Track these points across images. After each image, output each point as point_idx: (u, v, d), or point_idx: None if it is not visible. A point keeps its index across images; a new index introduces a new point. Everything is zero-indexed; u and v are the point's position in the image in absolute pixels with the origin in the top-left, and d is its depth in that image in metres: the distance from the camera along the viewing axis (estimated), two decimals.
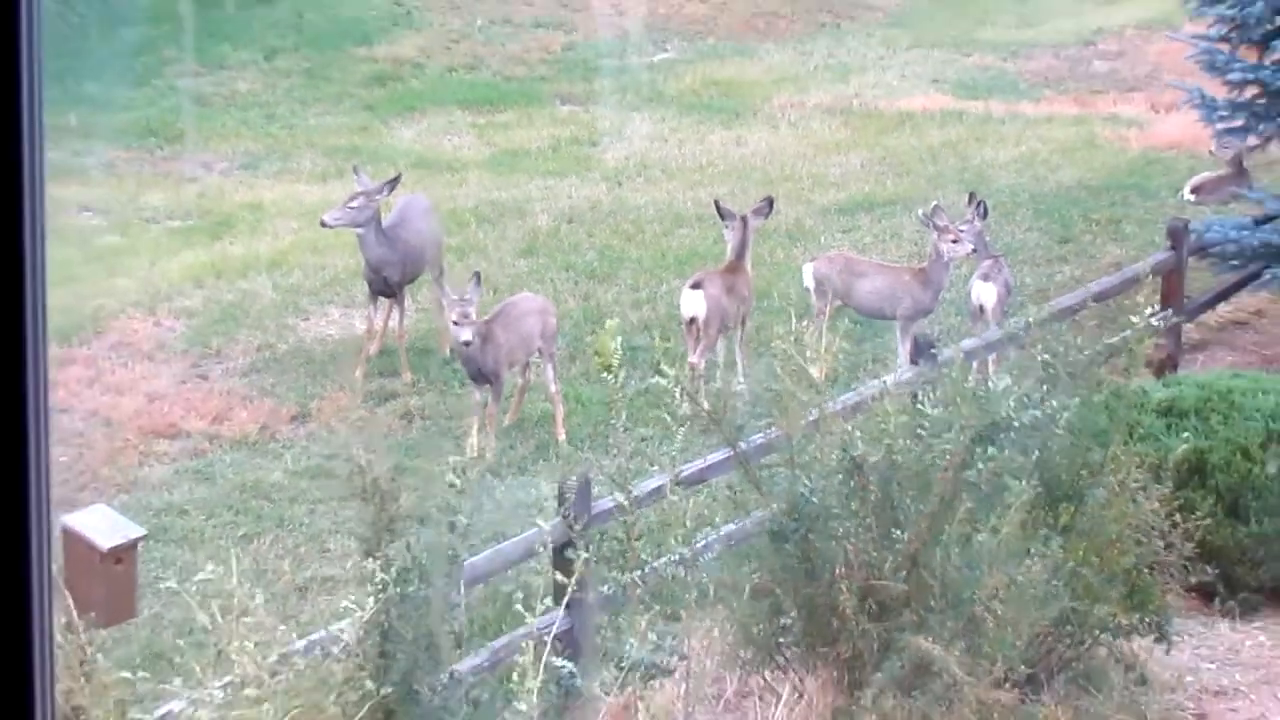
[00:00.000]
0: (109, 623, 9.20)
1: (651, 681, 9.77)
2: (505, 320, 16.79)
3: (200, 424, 16.96)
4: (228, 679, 8.34)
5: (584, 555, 9.87)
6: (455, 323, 16.15)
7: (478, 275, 16.50)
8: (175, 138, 24.94)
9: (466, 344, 16.17)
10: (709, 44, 30.41)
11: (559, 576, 10.38)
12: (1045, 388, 11.74)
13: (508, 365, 16.74)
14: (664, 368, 10.56)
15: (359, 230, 17.80)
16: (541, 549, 10.56)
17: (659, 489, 11.14)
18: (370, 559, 8.96)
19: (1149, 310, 12.70)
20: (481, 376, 16.45)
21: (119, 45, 27.53)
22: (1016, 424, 11.27)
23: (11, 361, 2.10)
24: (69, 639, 8.84)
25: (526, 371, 17.05)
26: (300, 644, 9.10)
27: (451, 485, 9.32)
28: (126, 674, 9.07)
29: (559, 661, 9.07)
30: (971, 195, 18.67)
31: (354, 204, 17.78)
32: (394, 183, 18.18)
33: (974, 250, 17.82)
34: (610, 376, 10.21)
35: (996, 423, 11.14)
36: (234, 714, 8.24)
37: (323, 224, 18.15)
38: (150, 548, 13.12)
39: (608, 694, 9.48)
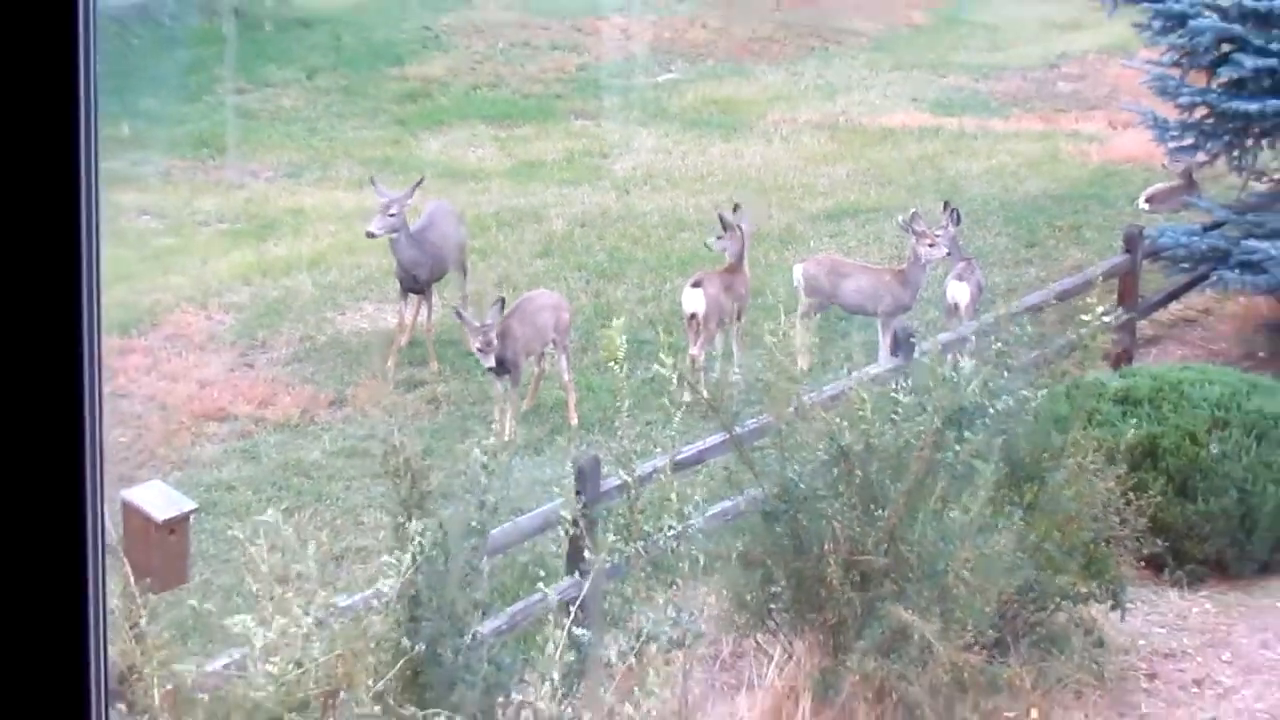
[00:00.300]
0: (163, 588, 9.20)
1: (668, 652, 9.75)
2: (522, 315, 16.80)
3: (247, 408, 16.96)
4: (273, 633, 8.32)
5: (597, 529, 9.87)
6: (479, 350, 16.28)
7: (501, 301, 16.52)
8: (225, 148, 24.92)
9: (491, 369, 16.32)
10: (709, 65, 30.35)
11: (583, 548, 10.41)
12: (1011, 376, 11.73)
13: (525, 355, 16.74)
14: (663, 357, 10.56)
15: (393, 235, 17.79)
16: (567, 522, 10.50)
17: (661, 468, 11.13)
18: (404, 527, 8.94)
19: (1101, 309, 12.70)
20: (502, 368, 16.45)
21: (174, 65, 27.51)
22: (991, 410, 11.26)
23: (68, 351, 2.09)
24: (126, 603, 8.83)
25: (542, 361, 17.03)
26: (344, 602, 9.10)
27: (484, 466, 9.32)
28: (176, 635, 9.08)
29: (576, 629, 9.04)
30: (946, 204, 18.67)
31: (393, 211, 17.75)
32: (418, 185, 18.17)
33: (948, 253, 17.81)
34: (616, 368, 10.21)
35: (967, 408, 11.14)
36: (283, 662, 8.23)
37: (369, 235, 18.07)
38: (200, 520, 13.10)
39: (622, 660, 9.45)
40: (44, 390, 2.10)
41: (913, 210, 18.61)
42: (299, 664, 8.16)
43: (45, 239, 2.07)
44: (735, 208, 18.35)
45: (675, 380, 11.01)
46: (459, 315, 16.67)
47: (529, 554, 13.55)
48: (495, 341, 16.33)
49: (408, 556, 8.60)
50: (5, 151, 2.05)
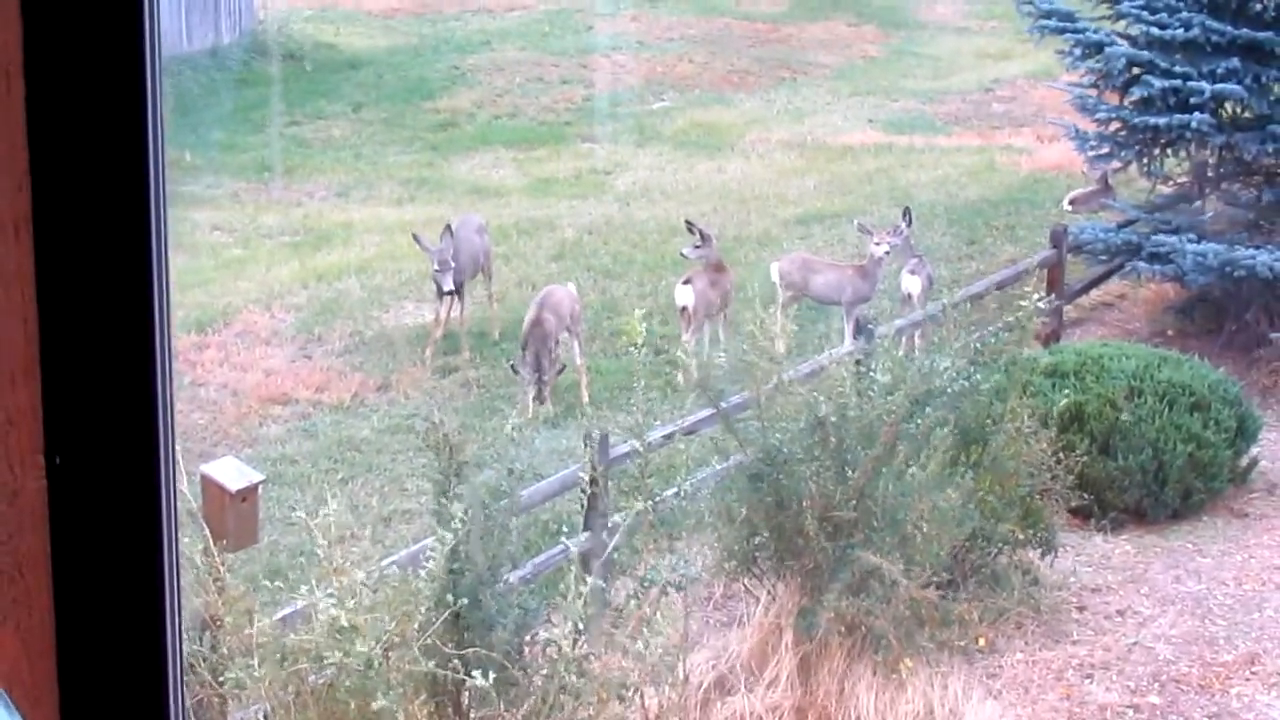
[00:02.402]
0: (236, 548, 9.19)
1: (667, 595, 9.72)
2: (549, 306, 16.81)
3: (306, 393, 16.95)
4: (330, 589, 8.31)
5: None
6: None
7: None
8: (284, 172, 24.90)
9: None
10: (696, 94, 30.32)
11: (599, 507, 10.38)
12: (962, 358, 11.72)
13: (555, 340, 16.72)
14: (683, 343, 10.54)
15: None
16: (585, 483, 10.46)
17: (672, 435, 11.16)
18: (445, 494, 8.93)
19: (1036, 296, 12.70)
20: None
21: (240, 102, 27.51)
22: (948, 390, 11.27)
23: (142, 337, 2.08)
24: (207, 561, 8.82)
25: (557, 347, 17.01)
26: (396, 558, 9.09)
27: (512, 439, 9.32)
28: (251, 586, 9.06)
29: (591, 578, 9.00)
30: (906, 210, 18.69)
31: (451, 264, 17.62)
32: (448, 229, 18.01)
33: (888, 251, 17.80)
34: (635, 350, 10.20)
35: (931, 390, 11.15)
36: (340, 612, 8.21)
37: (446, 292, 17.91)
38: (268, 489, 13.07)
39: (631, 602, 9.43)
40: (125, 379, 2.11)
41: (857, 220, 18.77)
42: (354, 626, 8.13)
43: (123, 249, 2.08)
44: (689, 225, 18.38)
45: (682, 363, 11.03)
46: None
47: (549, 513, 13.55)
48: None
49: (455, 519, 8.57)
50: (85, 176, 2.05)
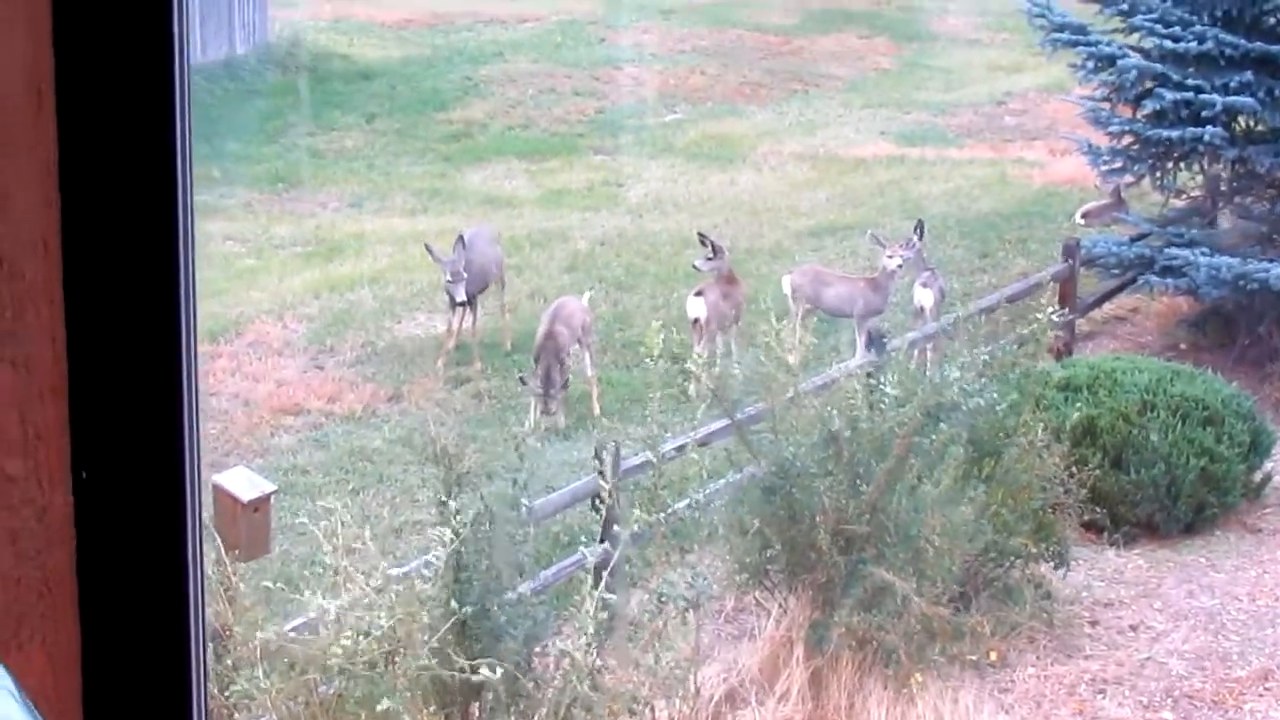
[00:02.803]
0: (248, 558, 9.20)
1: (684, 611, 9.74)
2: (561, 318, 16.82)
3: (318, 403, 16.96)
4: (339, 600, 8.32)
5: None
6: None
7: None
8: (297, 183, 24.91)
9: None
10: (708, 107, 30.32)
11: (612, 520, 10.39)
12: (978, 375, 11.72)
13: (567, 352, 16.73)
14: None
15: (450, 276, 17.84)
16: (605, 492, 10.47)
17: (685, 447, 11.16)
18: (446, 504, 8.94)
19: (1049, 309, 12.71)
20: (547, 371, 16.45)
21: (253, 113, 27.52)
22: (964, 407, 11.27)
23: (169, 354, 2.10)
24: (218, 571, 8.83)
25: (569, 360, 17.02)
26: (396, 571, 9.08)
27: (520, 451, 9.33)
28: (261, 597, 9.07)
29: (604, 591, 9.02)
30: (919, 222, 18.69)
31: (463, 274, 17.68)
32: (460, 240, 18.03)
33: (901, 264, 17.80)
34: (651, 362, 10.21)
35: (942, 403, 11.15)
36: (350, 621, 8.22)
37: (459, 303, 17.96)
38: (279, 499, 13.08)
39: (645, 617, 9.44)
40: (152, 395, 2.12)
41: (870, 232, 18.80)
42: (365, 633, 8.14)
43: (150, 267, 2.10)
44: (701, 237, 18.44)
45: (695, 374, 11.02)
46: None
47: (560, 525, 13.55)
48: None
49: (448, 531, 8.59)
50: (114, 194, 2.07)
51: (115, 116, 2.03)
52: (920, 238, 18.23)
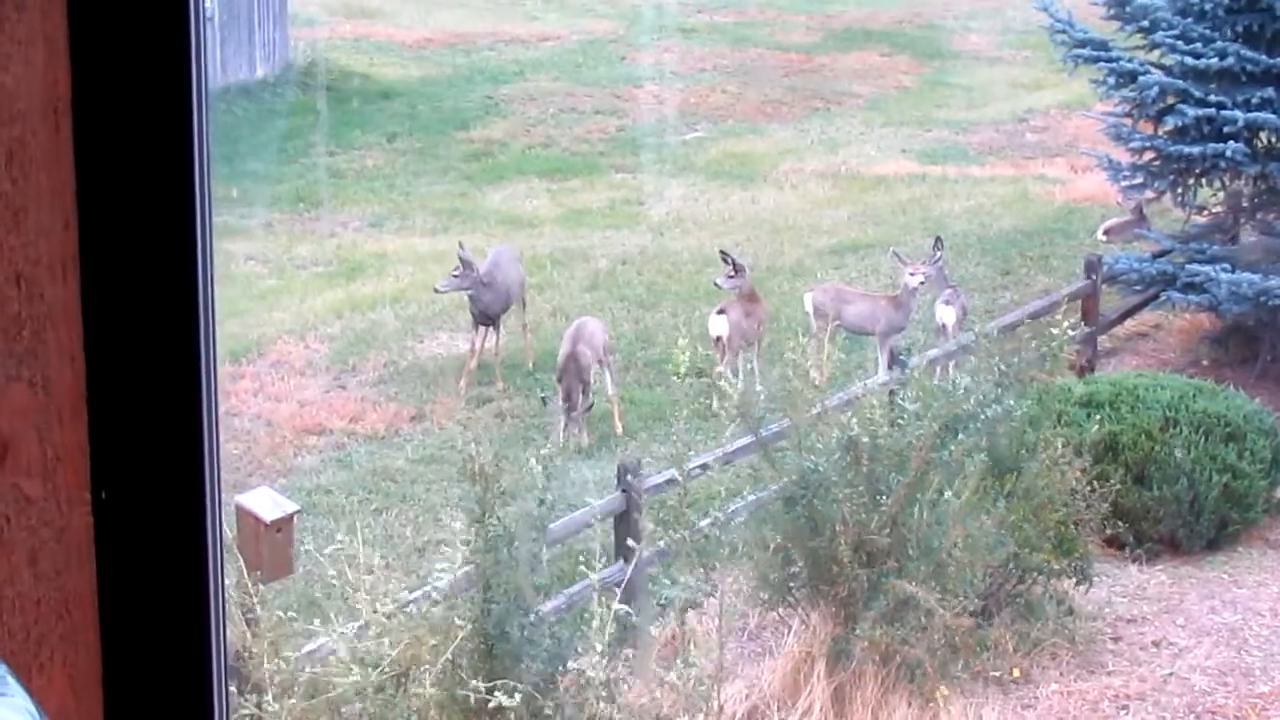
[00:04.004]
0: (271, 579, 9.21)
1: (686, 613, 9.73)
2: (583, 338, 16.85)
3: (341, 423, 16.99)
4: (356, 623, 8.32)
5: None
6: (569, 432, 16.69)
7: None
8: (318, 203, 24.96)
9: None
10: (729, 125, 30.34)
11: (632, 540, 10.38)
12: (998, 389, 11.73)
13: (589, 372, 16.76)
14: (727, 374, 10.56)
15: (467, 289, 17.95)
16: (637, 510, 10.48)
17: (703, 466, 11.16)
18: (471, 524, 8.95)
19: (1067, 324, 12.71)
20: (569, 391, 16.48)
21: (274, 133, 27.58)
22: (982, 417, 11.26)
23: (189, 374, 2.10)
24: (240, 593, 8.84)
25: (591, 380, 17.03)
26: (410, 596, 9.09)
27: (543, 469, 9.33)
28: (282, 618, 9.06)
29: (622, 606, 9.01)
30: (938, 239, 18.69)
31: (456, 273, 17.87)
32: (464, 259, 18.11)
33: (923, 281, 17.80)
34: (678, 379, 10.24)
35: (960, 415, 11.14)
36: (361, 647, 8.22)
37: (436, 291, 18.34)
38: (303, 520, 13.09)
39: (666, 632, 9.44)
40: (171, 416, 2.13)
41: (893, 249, 18.81)
42: (375, 663, 8.14)
43: (169, 288, 2.11)
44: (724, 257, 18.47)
45: (726, 391, 11.04)
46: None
47: (583, 543, 13.54)
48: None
49: (458, 554, 8.59)
50: (133, 215, 2.07)
51: (133, 136, 2.04)
52: (941, 255, 18.23)
